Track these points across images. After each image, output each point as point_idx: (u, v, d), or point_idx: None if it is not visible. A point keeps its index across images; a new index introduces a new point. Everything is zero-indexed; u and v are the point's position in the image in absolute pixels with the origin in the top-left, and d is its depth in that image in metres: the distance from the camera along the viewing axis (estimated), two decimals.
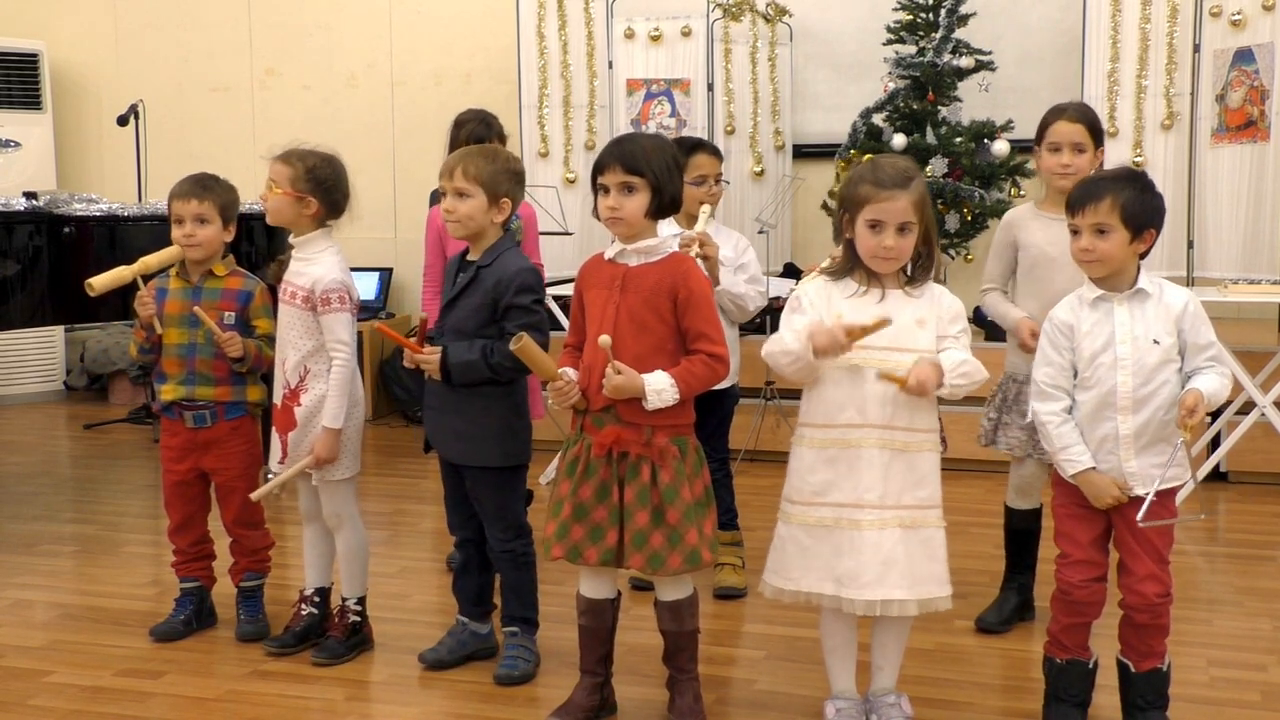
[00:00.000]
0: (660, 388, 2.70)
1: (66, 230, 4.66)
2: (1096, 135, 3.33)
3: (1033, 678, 3.04)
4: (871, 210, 2.67)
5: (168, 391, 3.46)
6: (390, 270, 7.12)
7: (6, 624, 3.67)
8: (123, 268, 3.44)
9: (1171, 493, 2.73)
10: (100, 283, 3.42)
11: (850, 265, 2.77)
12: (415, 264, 6.80)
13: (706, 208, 3.62)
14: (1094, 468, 2.69)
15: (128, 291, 3.49)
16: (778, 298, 5.36)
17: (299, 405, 3.28)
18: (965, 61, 5.69)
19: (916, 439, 2.70)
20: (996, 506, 4.29)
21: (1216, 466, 5.03)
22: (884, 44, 5.81)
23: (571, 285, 3.00)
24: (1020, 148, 5.30)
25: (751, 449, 5.45)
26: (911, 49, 5.71)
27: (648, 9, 6.16)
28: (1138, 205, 2.65)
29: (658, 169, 2.77)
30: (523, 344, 2.75)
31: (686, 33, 6.13)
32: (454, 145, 3.95)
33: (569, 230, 5.83)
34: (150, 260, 3.46)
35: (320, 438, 3.24)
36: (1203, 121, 5.36)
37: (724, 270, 3.65)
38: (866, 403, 2.68)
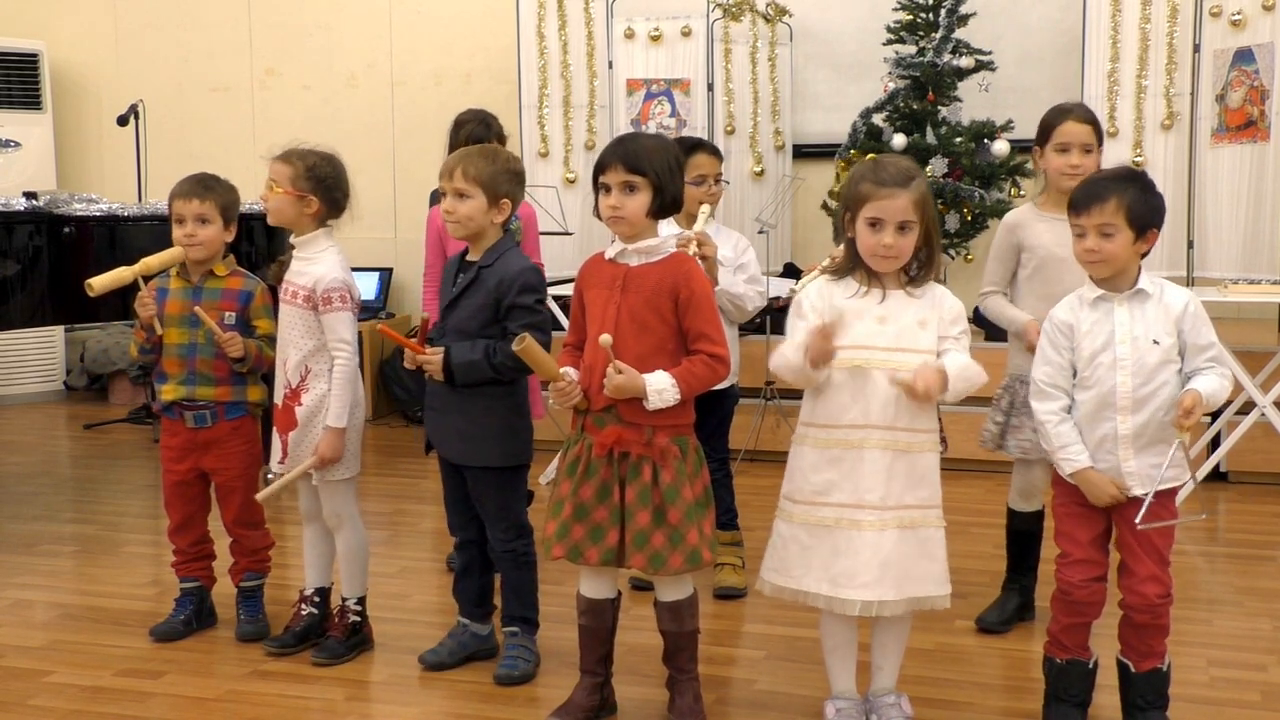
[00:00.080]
0: (661, 388, 2.70)
1: (66, 230, 4.66)
2: (1100, 136, 3.37)
3: (1033, 678, 3.04)
4: (871, 208, 2.67)
5: (168, 391, 3.46)
6: (390, 270, 7.12)
7: (6, 624, 3.67)
8: (123, 268, 3.44)
9: (1171, 493, 2.73)
10: (100, 283, 3.42)
11: (851, 265, 2.77)
12: (415, 264, 6.80)
13: (706, 207, 3.62)
14: (1092, 466, 2.69)
15: (128, 292, 3.49)
16: (777, 298, 5.36)
17: (300, 405, 3.28)
18: (965, 61, 5.69)
19: (918, 439, 2.70)
20: (997, 506, 4.28)
21: (1216, 466, 5.03)
22: (884, 44, 5.81)
23: (571, 285, 3.00)
24: (1020, 148, 5.30)
25: (751, 449, 5.45)
26: (911, 49, 5.71)
27: (648, 9, 6.16)
28: (1142, 205, 2.65)
29: (660, 169, 2.77)
30: (525, 344, 2.75)
31: (686, 33, 6.13)
32: (453, 146, 3.95)
33: (569, 230, 5.83)
34: (151, 261, 3.46)
35: (324, 437, 3.24)
36: (1203, 121, 5.37)
37: (723, 270, 3.65)
38: (870, 403, 2.68)
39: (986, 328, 5.03)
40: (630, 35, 6.16)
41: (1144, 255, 2.72)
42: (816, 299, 2.77)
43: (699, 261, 2.99)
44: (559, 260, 5.67)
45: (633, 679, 3.11)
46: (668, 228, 3.43)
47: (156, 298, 3.46)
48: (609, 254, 2.86)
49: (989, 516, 4.43)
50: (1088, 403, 2.70)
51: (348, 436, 3.29)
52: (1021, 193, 5.63)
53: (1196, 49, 5.39)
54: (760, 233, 5.34)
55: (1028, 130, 3.54)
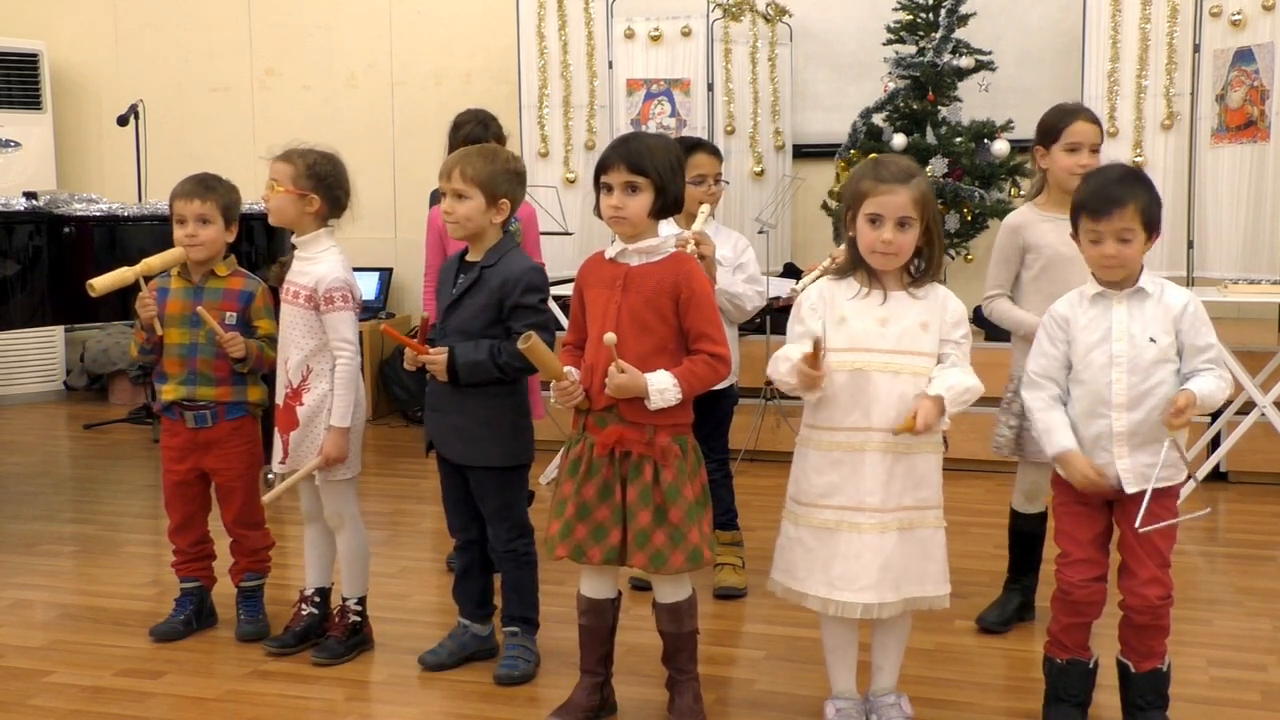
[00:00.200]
0: (663, 387, 2.70)
1: (66, 230, 4.66)
2: (1102, 136, 3.40)
3: (1033, 678, 3.04)
4: (871, 204, 2.68)
5: (168, 391, 3.46)
6: (390, 270, 7.12)
7: (6, 624, 3.67)
8: (125, 268, 3.44)
9: (1171, 493, 2.72)
10: (102, 283, 3.42)
11: (853, 265, 2.77)
12: (415, 264, 6.81)
13: (706, 207, 3.62)
14: (1074, 449, 2.68)
15: (128, 291, 3.49)
16: (777, 298, 5.36)
17: (301, 405, 3.28)
18: (965, 61, 5.69)
19: (919, 441, 2.70)
20: (997, 506, 4.29)
21: (1216, 466, 5.03)
22: (884, 44, 5.81)
23: (571, 285, 3.00)
24: (1020, 148, 5.30)
25: (751, 449, 5.45)
26: (911, 49, 5.71)
27: (648, 9, 6.16)
28: (1154, 207, 2.67)
29: (661, 169, 2.77)
30: (531, 343, 2.75)
31: (686, 33, 6.13)
32: (452, 147, 3.95)
33: (569, 230, 5.83)
34: (153, 261, 3.46)
35: (328, 437, 3.24)
36: (1203, 121, 5.37)
37: (723, 270, 3.65)
38: (871, 407, 2.67)
39: (986, 328, 5.03)
40: (630, 35, 6.17)
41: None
42: (817, 300, 2.76)
43: (697, 260, 2.99)
44: (559, 260, 5.67)
45: (633, 679, 3.11)
46: (668, 228, 3.43)
47: (157, 297, 3.46)
48: (609, 253, 2.86)
49: (989, 516, 4.43)
50: (1081, 399, 2.71)
51: (349, 436, 3.29)
52: (1021, 193, 5.62)
53: (1196, 49, 5.39)
54: (760, 233, 5.33)
55: (1028, 130, 3.54)
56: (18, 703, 3.10)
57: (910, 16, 5.75)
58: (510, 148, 3.70)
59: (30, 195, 4.75)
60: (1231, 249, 5.26)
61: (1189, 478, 2.75)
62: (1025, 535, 3.54)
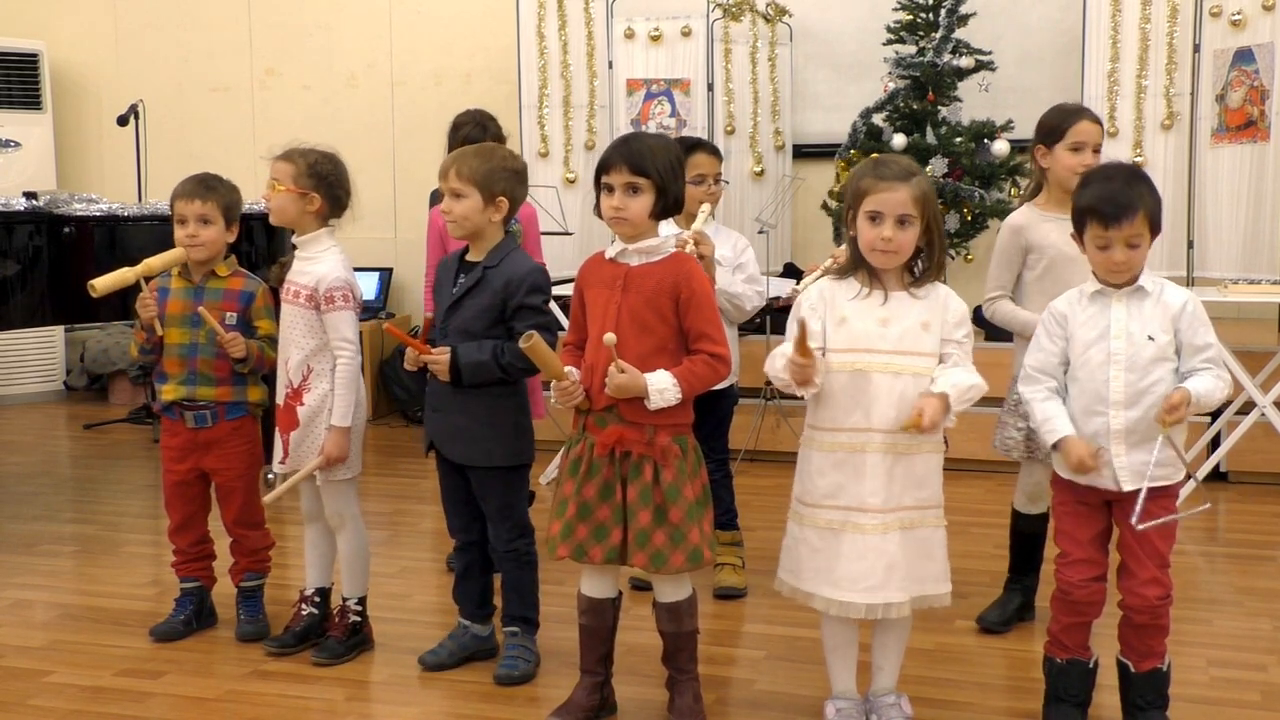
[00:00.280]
0: (663, 387, 2.70)
1: (66, 230, 4.66)
2: (1103, 136, 3.42)
3: (1033, 678, 3.04)
4: (871, 201, 2.68)
5: (169, 391, 3.46)
6: (390, 270, 7.12)
7: (6, 624, 3.67)
8: (126, 269, 3.43)
9: (1169, 492, 2.72)
10: (103, 284, 3.42)
11: (854, 265, 2.77)
12: (415, 264, 6.82)
13: (706, 206, 3.62)
14: (1073, 434, 2.67)
15: (128, 291, 3.48)
16: (777, 298, 5.35)
17: (302, 405, 3.28)
18: (965, 61, 5.69)
19: (919, 440, 2.69)
20: (997, 506, 4.29)
21: (1216, 466, 5.03)
22: (884, 44, 5.81)
23: (571, 285, 3.00)
24: (1020, 148, 5.30)
25: (751, 449, 5.45)
26: (911, 49, 5.71)
27: (648, 9, 6.17)
28: (1158, 209, 2.67)
29: (663, 170, 2.77)
30: (533, 342, 2.75)
31: (686, 33, 6.13)
32: (451, 148, 3.95)
33: (569, 230, 5.83)
34: (154, 262, 3.46)
35: (329, 436, 3.25)
36: (1203, 121, 5.37)
37: (722, 270, 3.65)
38: (872, 407, 2.67)
39: (986, 328, 5.03)
40: (630, 35, 6.17)
41: None
42: (817, 300, 2.76)
43: (696, 260, 2.99)
44: (559, 260, 5.67)
45: (633, 679, 3.11)
46: (667, 228, 3.43)
47: (158, 297, 3.46)
48: (609, 253, 2.86)
49: (989, 516, 4.43)
50: (1079, 397, 2.71)
51: (352, 436, 3.29)
52: (1022, 193, 5.62)
53: (1196, 49, 5.39)
54: (760, 233, 5.33)
55: (1028, 130, 3.54)
56: (18, 703, 3.10)
57: (910, 16, 5.75)
58: (510, 148, 3.71)
59: (30, 195, 4.75)
60: (1231, 249, 5.26)
61: (1188, 477, 2.74)
62: (1026, 536, 3.54)
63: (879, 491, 2.68)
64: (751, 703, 3.07)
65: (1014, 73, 5.99)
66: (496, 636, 3.32)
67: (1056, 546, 2.82)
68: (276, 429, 3.34)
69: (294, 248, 3.36)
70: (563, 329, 3.07)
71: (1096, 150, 3.34)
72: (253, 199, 3.93)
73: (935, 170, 5.46)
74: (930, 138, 5.62)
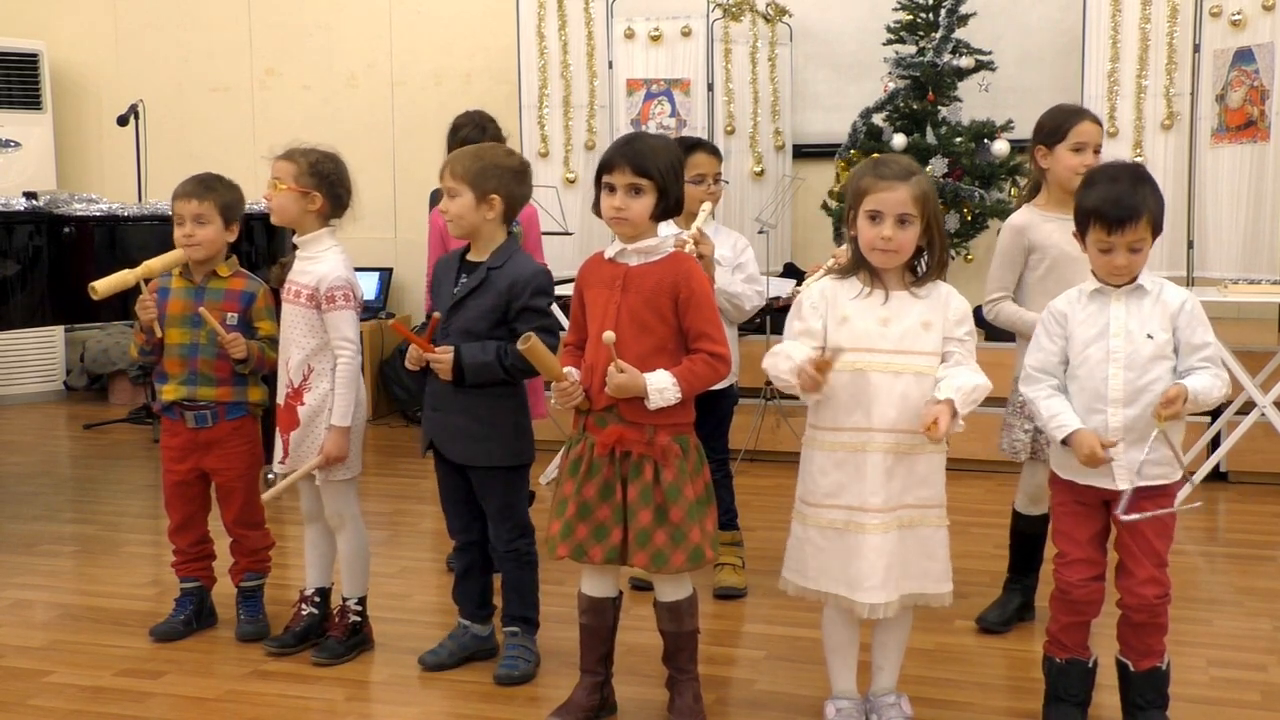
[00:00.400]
0: (662, 386, 2.71)
1: (66, 230, 4.65)
2: (1103, 137, 3.43)
3: (1033, 678, 3.04)
4: (871, 200, 2.68)
5: (169, 391, 3.46)
6: (390, 270, 7.12)
7: (6, 624, 3.67)
8: (126, 271, 3.43)
9: (1167, 491, 2.72)
10: (104, 286, 3.42)
11: (855, 265, 2.77)
12: (415, 264, 6.83)
13: (707, 205, 3.62)
14: (1082, 428, 2.66)
15: (128, 292, 3.48)
16: (777, 298, 5.36)
17: (302, 404, 3.28)
18: (965, 61, 5.69)
19: (920, 441, 2.69)
20: (997, 506, 4.29)
21: (1216, 466, 5.03)
22: (884, 44, 5.81)
23: (571, 285, 3.00)
24: (1020, 148, 5.30)
25: (751, 449, 5.45)
26: (911, 49, 5.71)
27: (648, 9, 6.16)
28: (1160, 211, 2.68)
29: (665, 171, 2.77)
30: (531, 344, 2.75)
31: (686, 33, 6.13)
32: (451, 150, 3.96)
33: (569, 230, 5.83)
34: (154, 264, 3.45)
35: (329, 436, 3.25)
36: (1203, 121, 5.37)
37: (722, 270, 3.65)
38: (872, 407, 2.67)
39: (986, 329, 5.04)
40: (630, 35, 6.17)
41: None
42: (818, 299, 2.77)
43: (696, 260, 3.00)
44: (559, 260, 5.67)
45: (633, 679, 3.11)
46: (667, 228, 3.43)
47: (159, 297, 3.46)
48: (608, 253, 2.87)
49: (989, 516, 4.43)
50: (1078, 395, 2.71)
51: (352, 435, 3.29)
52: (1023, 193, 5.62)
53: (1196, 49, 5.39)
54: (760, 233, 5.34)
55: (1028, 130, 3.54)
56: (18, 703, 3.10)
57: (910, 16, 5.75)
58: (510, 147, 3.71)
59: (30, 195, 4.75)
60: (1231, 249, 5.26)
61: (1186, 478, 2.74)
62: (1027, 537, 3.54)
63: (880, 491, 2.68)
64: (751, 703, 3.07)
65: (1014, 73, 5.99)
66: (496, 636, 3.32)
67: (1055, 546, 2.82)
68: (277, 429, 3.34)
69: (295, 248, 3.36)
70: (564, 330, 3.06)
71: (1097, 151, 3.35)
72: (253, 199, 3.93)
73: (935, 170, 5.46)
74: (930, 138, 5.62)
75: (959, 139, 5.58)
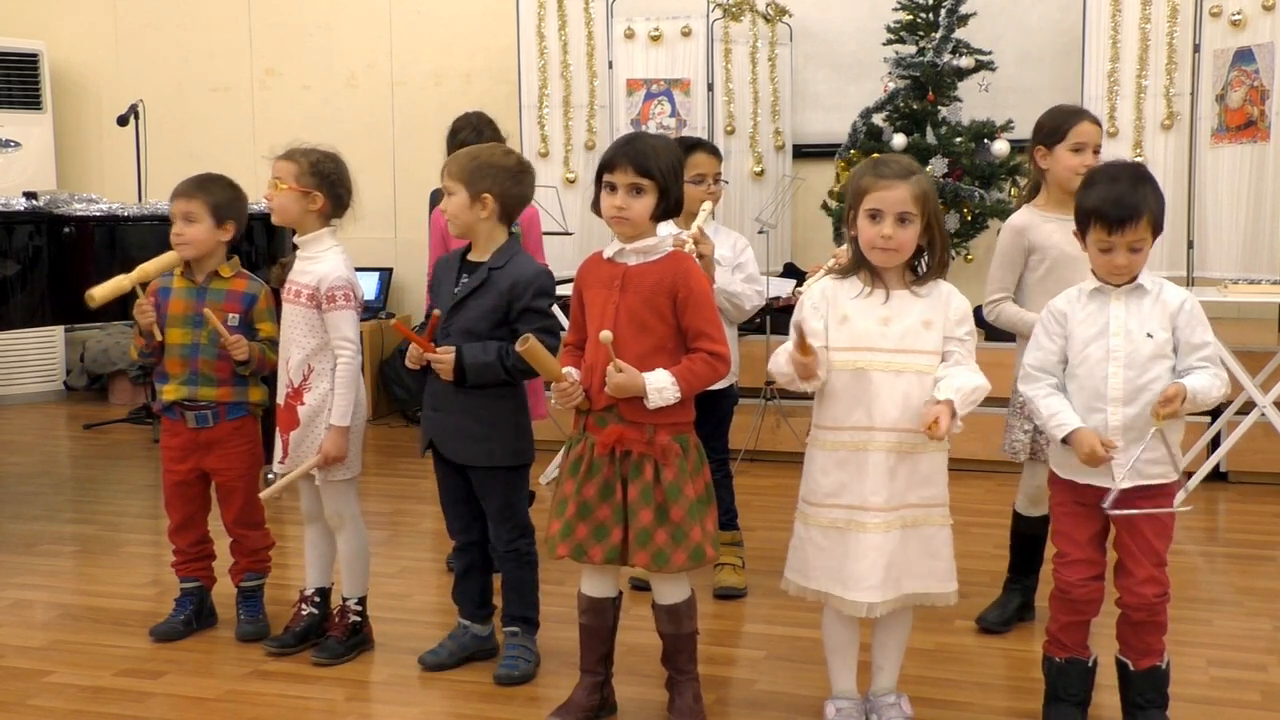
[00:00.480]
0: (661, 386, 2.71)
1: (66, 230, 4.65)
2: (1102, 138, 3.43)
3: (1033, 678, 3.04)
4: (871, 199, 2.68)
5: (169, 391, 3.46)
6: (390, 270, 7.12)
7: (6, 624, 3.67)
8: (121, 276, 3.42)
9: (1165, 491, 2.72)
10: (101, 294, 3.41)
11: (856, 265, 2.77)
12: (415, 264, 6.83)
13: (708, 204, 3.62)
14: (1082, 426, 2.66)
15: (127, 294, 3.48)
16: (776, 298, 5.36)
17: (302, 404, 3.28)
18: (965, 61, 5.69)
19: (922, 440, 2.69)
20: (997, 506, 4.29)
21: (1216, 466, 5.03)
22: (884, 44, 5.82)
23: (571, 285, 3.00)
24: (1020, 148, 5.30)
25: (751, 449, 5.45)
26: (911, 49, 5.71)
27: (648, 9, 6.17)
28: (1160, 211, 2.68)
29: (666, 172, 2.77)
30: (529, 345, 2.75)
31: (686, 33, 6.13)
32: (450, 152, 3.98)
33: (569, 230, 5.83)
34: (148, 267, 3.45)
35: (328, 435, 3.25)
36: (1203, 121, 5.37)
37: (721, 269, 3.65)
38: (873, 406, 2.67)
39: (986, 329, 5.04)
40: (630, 35, 6.17)
41: None
42: (819, 299, 2.77)
43: (695, 259, 3.00)
44: (559, 260, 5.67)
45: (633, 679, 3.11)
46: (666, 228, 3.43)
47: (160, 297, 3.46)
48: (607, 253, 2.87)
49: (989, 516, 4.43)
50: (1078, 394, 2.71)
51: (351, 436, 3.29)
52: (1023, 193, 5.62)
53: (1196, 49, 5.39)
54: (760, 233, 5.34)
55: (1028, 130, 3.54)
56: (18, 703, 3.10)
57: (910, 16, 5.75)
58: (509, 147, 3.71)
59: (30, 195, 4.75)
60: (1231, 249, 5.26)
61: (1186, 477, 2.74)
62: (1027, 538, 3.54)
63: (881, 490, 2.68)
64: (751, 703, 3.07)
65: (1014, 73, 5.99)
66: (496, 636, 3.32)
67: (1054, 546, 2.82)
68: (277, 429, 3.34)
69: (295, 248, 3.36)
70: (565, 330, 3.07)
71: (1096, 151, 3.36)
72: (253, 199, 3.93)
73: (935, 170, 5.46)
74: (930, 138, 5.62)
75: (959, 139, 5.58)
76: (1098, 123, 3.40)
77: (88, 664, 3.35)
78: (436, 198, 4.69)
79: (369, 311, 6.67)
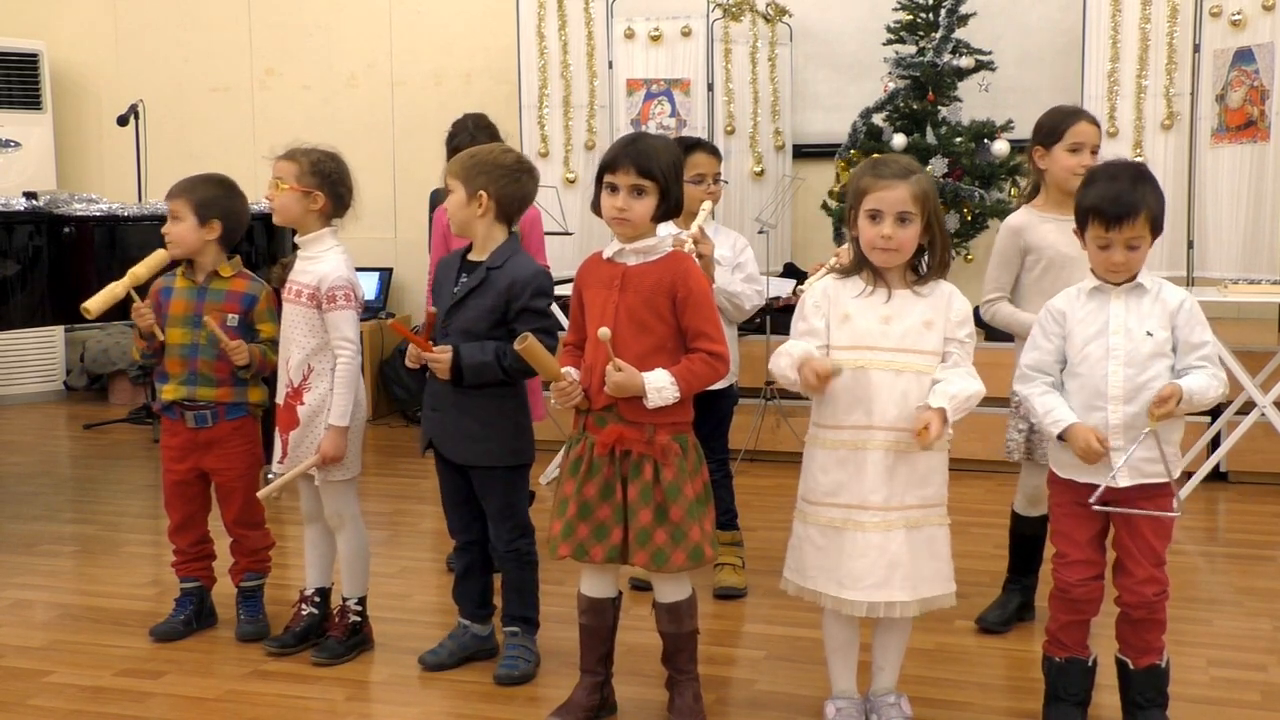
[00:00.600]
0: (660, 385, 2.71)
1: (66, 230, 4.65)
2: (1101, 138, 3.43)
3: (1033, 678, 3.04)
4: (871, 199, 2.69)
5: (169, 391, 3.46)
6: (390, 270, 7.12)
7: (6, 624, 3.67)
8: (114, 284, 3.41)
9: (1165, 490, 2.71)
10: (96, 305, 3.40)
11: (857, 264, 2.77)
12: (415, 264, 6.83)
13: (708, 204, 3.62)
14: (1077, 422, 2.67)
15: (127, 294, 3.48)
16: (776, 297, 5.36)
17: (302, 404, 3.28)
18: (965, 61, 5.69)
19: None
20: (997, 506, 4.29)
21: (1216, 466, 5.03)
22: (884, 44, 5.82)
23: (571, 285, 3.00)
24: (1020, 148, 5.29)
25: (751, 449, 5.45)
26: (911, 49, 5.71)
27: (648, 9, 6.17)
28: (1160, 209, 2.68)
29: (667, 173, 2.78)
30: (527, 344, 2.76)
31: (686, 33, 6.13)
32: (449, 155, 3.99)
33: (569, 230, 5.83)
34: (139, 270, 3.44)
35: (327, 435, 3.24)
36: (1203, 121, 5.37)
37: (721, 269, 3.65)
38: (873, 405, 2.68)
39: (985, 329, 5.04)
40: (630, 35, 6.17)
41: None
42: (821, 298, 2.77)
43: (695, 259, 3.00)
44: (559, 260, 5.66)
45: (633, 679, 3.11)
46: (666, 227, 3.43)
47: (162, 297, 3.46)
48: (607, 253, 2.87)
49: (989, 516, 4.43)
50: (1078, 392, 2.71)
51: (350, 436, 3.29)
52: (1023, 193, 5.62)
53: (1196, 49, 5.39)
54: (760, 233, 5.34)
55: (1028, 130, 3.54)
56: (18, 703, 3.10)
57: (910, 16, 5.75)
58: (510, 147, 3.71)
59: (30, 195, 4.75)
60: (1231, 249, 5.26)
61: (1182, 483, 2.73)
62: (1026, 538, 3.54)
63: (880, 489, 2.68)
64: (751, 703, 3.07)
65: (1014, 73, 5.99)
66: (496, 636, 3.32)
67: (1054, 546, 2.82)
68: (276, 428, 3.34)
69: (296, 248, 3.36)
70: (564, 330, 3.07)
71: (1094, 151, 3.36)
72: (253, 199, 3.93)
73: (935, 170, 5.46)
74: (930, 138, 5.62)
75: (959, 139, 5.58)
76: (1095, 123, 3.40)
77: (88, 664, 3.35)
78: (437, 197, 4.70)
79: (369, 311, 6.66)
